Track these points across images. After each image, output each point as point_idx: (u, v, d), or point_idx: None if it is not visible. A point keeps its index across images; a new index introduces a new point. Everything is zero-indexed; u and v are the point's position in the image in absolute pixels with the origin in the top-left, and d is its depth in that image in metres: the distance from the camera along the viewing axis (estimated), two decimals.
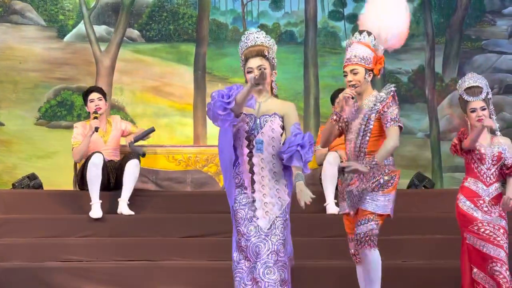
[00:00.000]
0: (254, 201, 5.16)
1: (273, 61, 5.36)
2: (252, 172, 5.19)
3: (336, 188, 7.51)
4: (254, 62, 5.27)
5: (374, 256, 5.63)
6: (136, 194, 7.94)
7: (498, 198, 5.94)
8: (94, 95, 8.07)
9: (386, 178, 5.64)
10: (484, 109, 5.94)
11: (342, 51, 10.99)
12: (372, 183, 5.63)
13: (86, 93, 8.18)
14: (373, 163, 5.54)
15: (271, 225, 5.12)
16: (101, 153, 7.78)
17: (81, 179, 7.89)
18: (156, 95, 10.55)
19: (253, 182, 5.18)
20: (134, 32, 10.68)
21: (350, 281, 6.30)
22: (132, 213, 7.75)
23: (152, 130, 8.06)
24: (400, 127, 5.62)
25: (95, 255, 7.35)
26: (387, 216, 5.70)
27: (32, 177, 8.84)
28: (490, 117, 5.97)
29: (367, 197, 5.63)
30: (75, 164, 8.30)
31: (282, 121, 5.23)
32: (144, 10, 10.68)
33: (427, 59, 10.86)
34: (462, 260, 6.02)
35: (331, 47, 10.90)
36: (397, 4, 5.97)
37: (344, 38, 10.93)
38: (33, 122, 10.38)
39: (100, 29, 10.60)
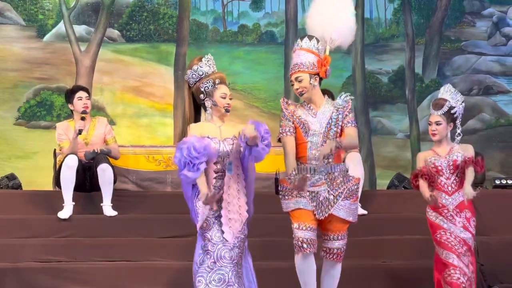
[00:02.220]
0: (220, 216, 5.46)
1: None
2: (221, 190, 5.49)
3: None
4: (227, 90, 5.60)
5: (340, 267, 5.85)
6: (116, 194, 7.92)
7: (462, 205, 6.03)
8: (82, 93, 8.00)
9: (352, 184, 5.76)
10: (439, 124, 6.03)
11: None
12: (343, 189, 5.71)
13: (72, 91, 8.05)
14: (339, 144, 5.58)
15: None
16: (76, 154, 7.73)
17: (58, 179, 7.85)
18: (136, 95, 10.53)
19: (220, 200, 5.47)
20: (115, 32, 10.65)
21: (343, 281, 6.35)
22: (116, 213, 7.74)
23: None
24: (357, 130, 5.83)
25: (74, 255, 7.32)
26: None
27: (11, 177, 8.79)
28: (455, 131, 6.04)
29: (341, 205, 5.72)
30: (55, 164, 8.26)
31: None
32: (124, 10, 10.66)
33: (407, 59, 10.90)
34: (434, 268, 6.16)
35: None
36: (341, 3, 6.00)
37: None
38: (12, 122, 10.33)
39: (80, 29, 10.57)
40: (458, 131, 6.08)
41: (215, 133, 5.49)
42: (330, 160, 5.72)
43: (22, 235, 7.57)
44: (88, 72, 10.45)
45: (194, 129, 5.49)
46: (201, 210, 5.45)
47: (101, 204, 7.76)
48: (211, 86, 5.56)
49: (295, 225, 5.68)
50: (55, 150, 8.35)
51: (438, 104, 6.04)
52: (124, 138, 9.66)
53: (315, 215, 5.69)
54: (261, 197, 6.58)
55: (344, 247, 5.78)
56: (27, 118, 10.37)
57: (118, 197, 7.97)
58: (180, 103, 10.42)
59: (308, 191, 5.69)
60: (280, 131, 5.78)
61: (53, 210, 7.79)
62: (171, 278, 7.03)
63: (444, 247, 5.98)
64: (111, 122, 10.04)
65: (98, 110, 10.30)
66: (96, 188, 7.82)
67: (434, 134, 6.06)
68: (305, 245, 5.63)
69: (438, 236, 6.01)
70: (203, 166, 5.32)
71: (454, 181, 6.03)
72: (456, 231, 5.98)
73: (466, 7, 11.10)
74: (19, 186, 8.75)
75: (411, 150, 10.65)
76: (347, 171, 5.77)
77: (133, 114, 10.45)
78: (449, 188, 6.03)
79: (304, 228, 5.66)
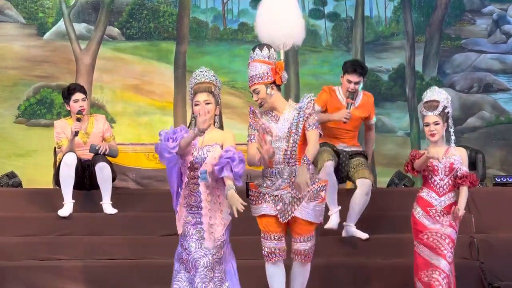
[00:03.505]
0: (197, 224, 5.58)
1: (218, 98, 5.76)
2: (199, 197, 5.59)
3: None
4: (201, 97, 5.66)
5: (309, 268, 5.91)
6: (116, 192, 7.92)
7: (450, 207, 6.06)
8: (78, 95, 7.94)
9: (317, 186, 5.80)
10: (437, 124, 6.06)
11: (323, 50, 11.09)
12: (308, 191, 5.75)
13: (68, 92, 8.01)
14: (305, 162, 5.65)
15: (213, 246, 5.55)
16: (74, 152, 7.72)
17: (58, 178, 7.85)
18: (136, 93, 10.53)
19: (199, 207, 5.59)
20: (114, 30, 10.65)
21: (343, 279, 6.36)
22: (116, 211, 7.74)
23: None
24: (320, 134, 5.87)
25: (74, 253, 7.32)
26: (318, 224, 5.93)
27: (11, 175, 8.80)
28: (449, 130, 6.08)
29: (305, 207, 5.78)
30: (55, 162, 8.26)
31: (221, 148, 5.60)
32: (124, 8, 10.65)
33: (407, 57, 10.90)
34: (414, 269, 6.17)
35: (311, 46, 10.91)
36: (285, 4, 6.09)
37: (325, 37, 10.96)
38: (12, 120, 10.34)
39: (80, 27, 10.57)
40: (451, 130, 6.12)
41: (196, 139, 5.57)
42: (294, 163, 5.79)
43: (22, 233, 7.57)
44: (88, 70, 10.45)
45: None
46: (177, 215, 5.63)
47: (101, 203, 7.76)
48: (191, 97, 5.74)
49: (262, 234, 5.84)
50: (55, 148, 8.34)
51: (432, 106, 6.08)
52: (124, 136, 9.66)
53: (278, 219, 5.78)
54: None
55: (312, 248, 5.87)
56: (27, 116, 10.37)
57: (118, 195, 7.97)
58: (180, 101, 10.43)
59: (272, 195, 5.79)
60: (248, 139, 5.91)
61: (53, 208, 7.79)
62: (171, 276, 7.01)
63: (428, 246, 6.01)
64: (111, 120, 10.05)
65: (98, 108, 10.30)
66: (96, 186, 7.82)
67: (433, 134, 6.08)
68: (271, 255, 5.82)
69: (425, 237, 6.03)
70: (180, 137, 5.39)
71: (447, 183, 6.07)
72: (441, 229, 6.02)
73: (466, 5, 11.10)
74: (19, 184, 8.76)
75: (411, 148, 10.64)
76: (312, 174, 5.80)
77: (133, 112, 10.46)
78: (441, 189, 6.07)
79: (269, 238, 5.82)
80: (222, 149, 5.59)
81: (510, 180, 9.00)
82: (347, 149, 7.53)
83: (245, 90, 10.41)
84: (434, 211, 6.06)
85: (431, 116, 6.07)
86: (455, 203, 6.06)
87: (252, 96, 5.94)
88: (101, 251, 7.35)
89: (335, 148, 7.44)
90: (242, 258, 5.99)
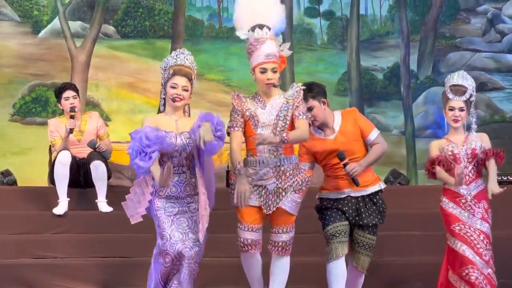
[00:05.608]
0: (178, 213, 5.38)
1: (193, 86, 5.56)
2: (180, 187, 5.41)
3: None
4: (180, 81, 5.48)
5: (288, 261, 5.71)
6: (111, 190, 7.91)
7: (480, 195, 5.90)
8: (69, 93, 7.94)
9: (301, 178, 5.66)
10: (462, 110, 5.89)
11: (318, 48, 11.11)
12: (293, 182, 5.63)
13: (60, 90, 8.01)
14: (284, 139, 5.49)
15: (195, 234, 5.36)
16: (69, 151, 7.72)
17: (52, 176, 7.85)
18: (131, 91, 10.54)
19: (181, 196, 5.40)
20: (110, 28, 10.64)
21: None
22: (111, 209, 7.73)
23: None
24: (309, 123, 5.67)
25: (69, 251, 7.32)
26: None
27: (6, 173, 8.79)
28: (471, 118, 5.96)
29: (288, 198, 5.61)
30: (50, 160, 8.26)
31: None
32: (119, 6, 10.65)
33: (402, 56, 10.92)
34: (444, 259, 6.00)
35: (306, 44, 10.92)
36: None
37: (320, 35, 10.98)
38: (7, 118, 10.33)
39: (75, 25, 10.56)
40: (474, 119, 5.96)
41: (171, 126, 5.39)
42: (280, 152, 5.60)
43: (17, 231, 7.56)
44: (83, 68, 10.45)
45: (148, 120, 5.40)
46: (139, 195, 5.37)
47: (96, 201, 7.75)
48: (167, 77, 5.53)
49: (238, 224, 5.61)
50: (50, 146, 8.34)
51: (460, 91, 5.89)
52: (119, 134, 9.63)
53: (262, 209, 5.59)
54: None
55: (291, 240, 5.67)
56: (22, 114, 10.36)
57: (114, 193, 7.95)
58: None
59: (256, 185, 5.58)
60: (229, 125, 5.64)
61: (48, 206, 7.78)
62: None
63: (463, 241, 5.81)
64: (107, 118, 10.05)
65: (93, 106, 10.29)
66: (91, 184, 7.82)
67: (457, 120, 5.88)
68: (247, 247, 5.59)
69: (457, 228, 5.84)
70: (155, 155, 5.20)
71: (472, 171, 5.89)
72: (475, 224, 5.85)
73: (461, 4, 11.12)
74: (14, 182, 8.75)
75: (406, 147, 10.67)
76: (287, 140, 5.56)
77: (128, 110, 10.45)
78: (467, 177, 5.86)
79: (246, 229, 5.58)
80: None
81: (505, 179, 9.01)
82: (354, 195, 5.95)
83: (240, 88, 10.41)
84: (464, 200, 5.86)
85: (458, 102, 5.88)
86: (483, 190, 5.87)
87: (263, 73, 5.61)
88: (96, 249, 7.34)
89: (342, 208, 5.94)
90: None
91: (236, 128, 5.62)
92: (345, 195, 5.88)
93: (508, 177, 9.04)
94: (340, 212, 5.87)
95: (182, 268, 5.30)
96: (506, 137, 10.83)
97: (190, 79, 5.50)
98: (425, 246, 7.14)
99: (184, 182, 5.42)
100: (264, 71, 5.62)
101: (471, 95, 5.92)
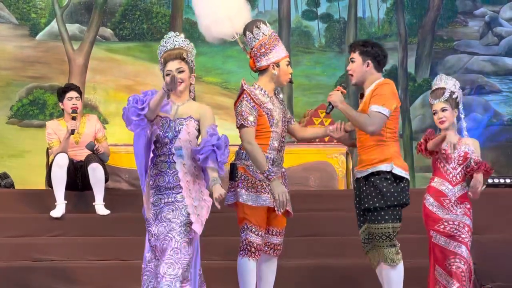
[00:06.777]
0: (172, 203, 5.10)
1: (192, 64, 5.30)
2: (169, 177, 5.13)
3: None
4: (172, 65, 5.21)
5: (276, 262, 5.61)
6: (109, 193, 7.92)
7: (463, 197, 5.95)
8: (72, 94, 7.95)
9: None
10: (445, 110, 5.92)
11: (316, 50, 11.11)
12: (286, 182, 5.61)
13: (64, 90, 8.02)
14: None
15: (181, 225, 5.05)
16: (66, 153, 7.72)
17: (50, 178, 7.85)
18: (129, 94, 10.46)
19: (170, 187, 5.13)
20: (107, 31, 10.65)
21: (327, 280, 6.34)
22: (109, 212, 7.73)
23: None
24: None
25: (66, 254, 7.32)
26: None
27: (4, 176, 8.78)
28: (459, 116, 5.99)
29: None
30: (47, 163, 8.26)
31: (198, 124, 5.17)
32: (117, 9, 10.66)
33: (399, 59, 10.93)
34: (429, 259, 6.06)
35: (304, 47, 10.93)
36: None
37: (318, 38, 10.98)
38: (4, 120, 10.33)
39: (73, 28, 10.56)
40: (462, 116, 5.98)
41: (168, 112, 5.12)
42: (282, 153, 5.52)
43: (15, 234, 7.57)
44: (81, 70, 10.45)
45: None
46: (145, 197, 5.12)
47: (94, 203, 7.75)
48: (162, 67, 5.33)
49: (251, 228, 5.35)
50: (47, 149, 8.34)
51: (438, 93, 5.94)
52: (117, 137, 9.64)
53: (269, 211, 5.40)
54: None
55: (281, 244, 5.59)
56: (19, 117, 10.36)
57: (111, 196, 7.96)
58: None
59: (267, 183, 5.34)
60: (243, 119, 5.35)
61: (45, 209, 7.78)
62: None
63: (447, 236, 5.87)
64: (104, 121, 10.05)
65: (91, 109, 10.30)
66: (88, 187, 7.82)
67: (442, 122, 5.91)
68: (257, 252, 5.39)
69: (441, 227, 5.88)
70: (150, 98, 4.98)
71: (460, 173, 5.93)
72: (457, 218, 5.89)
73: (459, 6, 11.13)
74: (11, 185, 8.74)
75: (404, 149, 10.67)
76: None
77: None
78: (454, 178, 5.92)
79: (259, 234, 5.38)
80: (198, 126, 5.14)
81: (502, 182, 9.02)
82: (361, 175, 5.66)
83: (238, 90, 10.42)
84: (447, 201, 5.91)
85: (438, 103, 5.92)
86: (466, 193, 5.90)
87: (288, 65, 5.59)
88: (93, 252, 7.34)
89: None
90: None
91: (254, 123, 5.36)
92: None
93: (506, 180, 9.05)
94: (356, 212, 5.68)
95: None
96: (503, 140, 10.84)
97: (183, 59, 5.23)
98: (420, 249, 7.13)
99: (174, 172, 5.12)
100: (288, 63, 5.58)
101: (451, 93, 5.95)
